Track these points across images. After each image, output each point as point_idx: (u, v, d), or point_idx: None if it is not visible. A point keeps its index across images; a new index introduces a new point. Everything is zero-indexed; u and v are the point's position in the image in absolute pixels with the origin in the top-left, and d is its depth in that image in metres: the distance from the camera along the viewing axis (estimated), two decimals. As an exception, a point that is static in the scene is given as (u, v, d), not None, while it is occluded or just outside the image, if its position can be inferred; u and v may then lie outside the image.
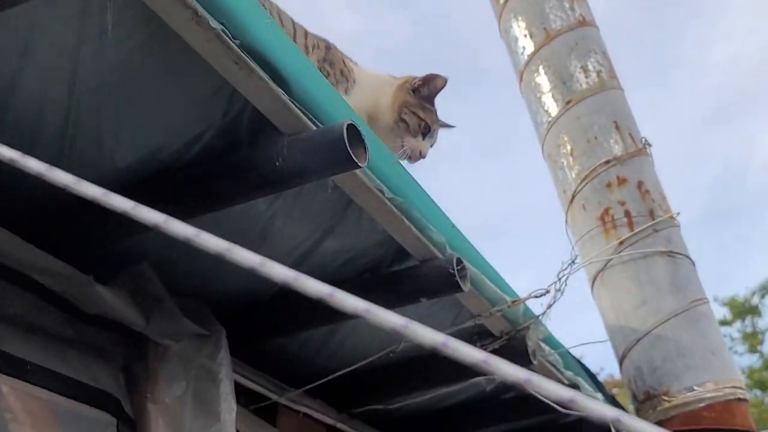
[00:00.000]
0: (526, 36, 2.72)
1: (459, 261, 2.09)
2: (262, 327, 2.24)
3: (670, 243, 2.40)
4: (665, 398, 2.26)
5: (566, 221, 2.61)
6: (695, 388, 2.24)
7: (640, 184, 2.47)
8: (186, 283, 2.03)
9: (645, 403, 2.32)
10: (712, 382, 2.25)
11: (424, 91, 2.34)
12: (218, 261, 1.96)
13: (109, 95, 1.48)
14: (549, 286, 2.48)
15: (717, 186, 30.16)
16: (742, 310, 21.44)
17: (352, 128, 1.60)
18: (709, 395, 2.23)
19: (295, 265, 2.05)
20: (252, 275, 2.03)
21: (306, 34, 2.24)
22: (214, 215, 1.75)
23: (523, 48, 2.73)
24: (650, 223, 2.41)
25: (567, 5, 2.68)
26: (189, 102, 1.55)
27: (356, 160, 1.58)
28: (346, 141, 1.56)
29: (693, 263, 2.44)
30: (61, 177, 0.90)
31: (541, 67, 2.68)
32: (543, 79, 2.67)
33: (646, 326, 2.33)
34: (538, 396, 0.76)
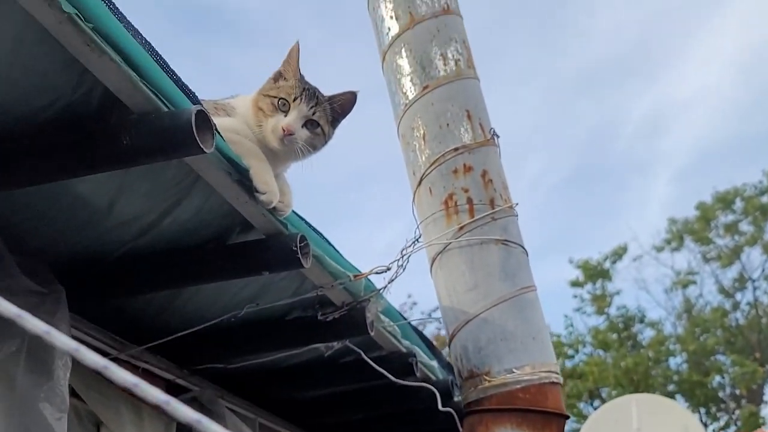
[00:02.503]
0: (392, 17, 2.80)
1: (303, 239, 2.19)
2: (106, 287, 2.28)
3: (506, 232, 2.56)
4: (486, 378, 2.43)
5: (413, 201, 2.73)
6: (514, 370, 2.42)
7: (484, 173, 2.61)
8: (30, 243, 2.05)
9: (468, 381, 2.49)
10: (529, 365, 2.43)
11: (283, 68, 2.32)
12: (63, 225, 1.99)
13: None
14: (391, 263, 2.61)
15: (585, 150, 31.23)
16: (594, 273, 22.46)
17: (201, 114, 1.66)
18: (525, 378, 2.41)
19: (140, 235, 2.11)
20: (97, 238, 2.07)
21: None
22: (63, 183, 1.80)
23: (389, 29, 2.81)
24: (489, 212, 2.56)
25: (433, -9, 2.78)
26: (38, 72, 1.57)
27: (202, 145, 1.65)
28: (194, 126, 1.63)
29: (526, 252, 2.60)
30: None
31: (403, 50, 2.77)
32: (404, 62, 2.76)
33: (476, 309, 2.49)
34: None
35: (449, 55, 2.72)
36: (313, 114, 2.24)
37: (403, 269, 2.68)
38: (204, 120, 1.67)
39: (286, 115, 2.23)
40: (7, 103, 1.61)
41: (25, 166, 1.72)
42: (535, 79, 31.74)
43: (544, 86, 31.44)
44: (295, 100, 2.25)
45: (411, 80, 2.73)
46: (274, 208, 2.08)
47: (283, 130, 2.21)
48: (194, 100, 1.79)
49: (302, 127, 2.22)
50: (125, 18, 1.64)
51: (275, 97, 2.24)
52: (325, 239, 2.43)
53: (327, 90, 2.33)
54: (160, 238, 2.15)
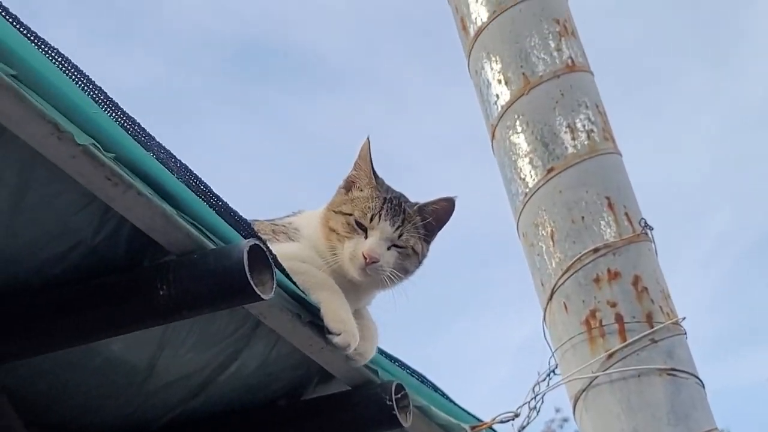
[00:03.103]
0: (500, 81, 2.82)
1: (399, 388, 2.20)
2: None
3: (672, 358, 2.51)
4: None
5: (544, 320, 2.71)
6: None
7: (636, 280, 2.58)
8: (51, 418, 2.13)
9: None
10: None
11: (355, 172, 2.39)
12: (92, 393, 2.06)
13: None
14: (519, 407, 2.60)
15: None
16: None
17: (257, 250, 1.70)
18: None
19: (190, 397, 2.17)
20: (136, 405, 2.13)
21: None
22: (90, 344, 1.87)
23: (497, 96, 2.83)
24: (647, 332, 2.52)
25: (553, 45, 2.78)
26: (50, 216, 1.64)
27: (258, 290, 1.68)
28: (246, 266, 1.67)
29: (701, 384, 2.55)
30: None
31: (518, 123, 2.78)
32: (520, 139, 2.77)
33: (639, 467, 2.45)
34: None
35: (578, 126, 2.72)
36: (401, 234, 2.29)
37: (537, 412, 2.67)
38: (260, 256, 1.72)
39: (366, 237, 2.27)
40: (13, 254, 1.69)
41: (40, 329, 1.78)
42: (714, 105, 31.19)
43: (726, 113, 30.83)
44: (374, 217, 2.29)
45: (530, 162, 2.74)
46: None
47: (365, 258, 2.24)
48: (246, 229, 1.85)
49: (388, 249, 2.24)
50: (153, 138, 1.71)
51: (349, 214, 2.29)
52: (430, 383, 2.44)
53: (423, 187, 2.36)
54: (216, 399, 2.20)
